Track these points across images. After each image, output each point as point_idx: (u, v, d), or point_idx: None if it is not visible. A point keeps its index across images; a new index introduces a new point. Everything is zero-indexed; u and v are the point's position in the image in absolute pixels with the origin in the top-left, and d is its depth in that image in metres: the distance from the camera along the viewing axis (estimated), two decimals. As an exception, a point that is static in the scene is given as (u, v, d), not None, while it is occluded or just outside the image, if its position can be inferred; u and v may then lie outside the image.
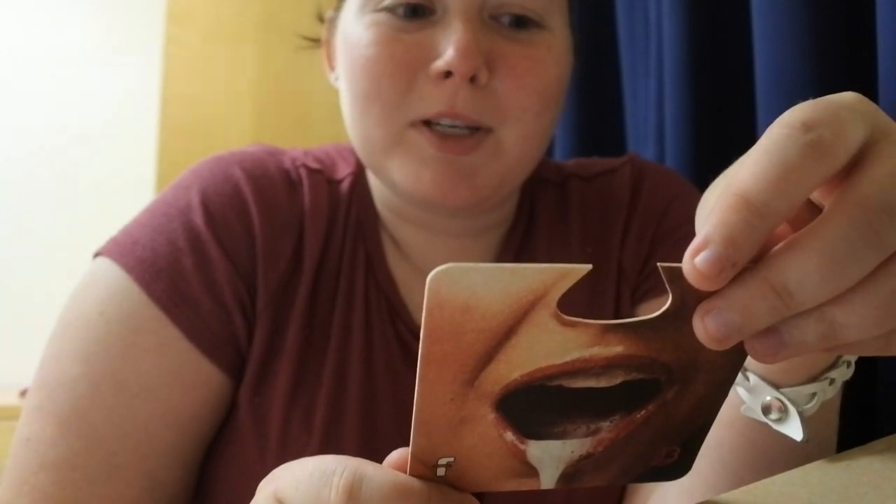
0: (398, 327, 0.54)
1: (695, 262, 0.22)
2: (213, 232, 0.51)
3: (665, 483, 0.45)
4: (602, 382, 0.26)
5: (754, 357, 0.24)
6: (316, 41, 0.62)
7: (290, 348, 0.51)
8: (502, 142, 0.51)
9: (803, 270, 0.22)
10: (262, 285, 0.51)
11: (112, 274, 0.49)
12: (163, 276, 0.49)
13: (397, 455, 0.27)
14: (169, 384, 0.47)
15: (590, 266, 0.23)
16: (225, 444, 0.51)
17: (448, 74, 0.48)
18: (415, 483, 0.26)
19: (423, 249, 0.57)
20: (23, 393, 2.05)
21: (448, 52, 0.48)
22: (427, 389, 0.24)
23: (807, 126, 0.23)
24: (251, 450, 0.49)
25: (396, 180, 0.51)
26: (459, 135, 0.50)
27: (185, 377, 0.48)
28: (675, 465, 0.31)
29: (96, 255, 0.51)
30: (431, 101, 0.49)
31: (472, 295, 0.22)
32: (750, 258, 0.23)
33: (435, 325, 0.22)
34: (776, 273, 0.23)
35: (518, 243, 0.59)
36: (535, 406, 0.26)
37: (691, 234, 0.66)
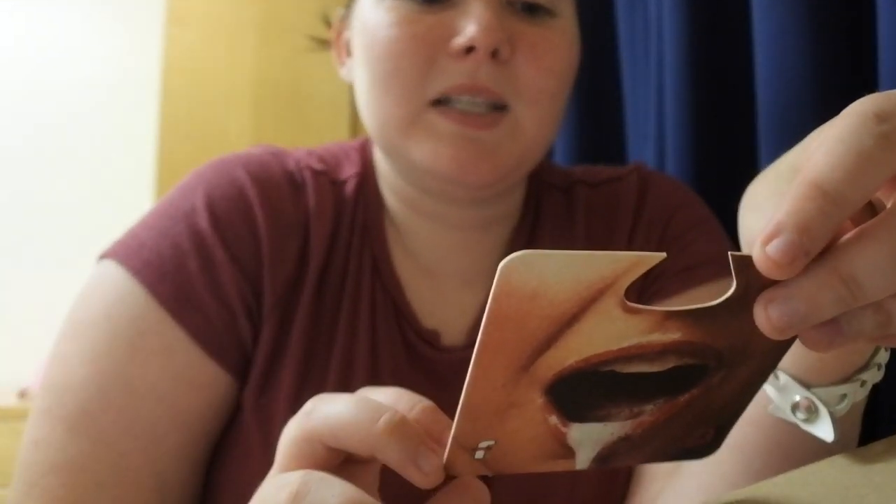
0: (404, 329, 0.54)
1: (767, 249, 0.22)
2: (218, 234, 0.51)
3: (683, 480, 0.45)
4: (654, 367, 0.25)
5: (807, 345, 0.24)
6: (323, 42, 0.63)
7: (296, 350, 0.51)
8: (520, 121, 0.51)
9: (873, 262, 0.22)
10: (268, 288, 0.51)
11: (118, 277, 0.49)
12: (168, 279, 0.49)
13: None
14: (176, 386, 0.48)
15: (664, 255, 0.22)
16: (230, 444, 0.51)
17: (469, 50, 0.49)
18: (367, 500, 0.26)
19: (432, 243, 0.57)
20: (22, 393, 2.04)
21: (470, 28, 0.48)
22: (480, 375, 0.24)
23: (880, 117, 0.23)
24: (256, 450, 0.49)
25: (416, 160, 0.51)
26: (479, 112, 0.50)
27: (191, 379, 0.48)
28: (706, 446, 0.31)
29: (101, 257, 0.51)
30: (452, 75, 0.49)
31: (541, 282, 0.22)
32: (822, 247, 0.22)
33: (500, 312, 0.22)
34: (845, 263, 0.22)
35: (525, 240, 0.59)
36: (584, 390, 0.25)
37: (696, 241, 0.66)
